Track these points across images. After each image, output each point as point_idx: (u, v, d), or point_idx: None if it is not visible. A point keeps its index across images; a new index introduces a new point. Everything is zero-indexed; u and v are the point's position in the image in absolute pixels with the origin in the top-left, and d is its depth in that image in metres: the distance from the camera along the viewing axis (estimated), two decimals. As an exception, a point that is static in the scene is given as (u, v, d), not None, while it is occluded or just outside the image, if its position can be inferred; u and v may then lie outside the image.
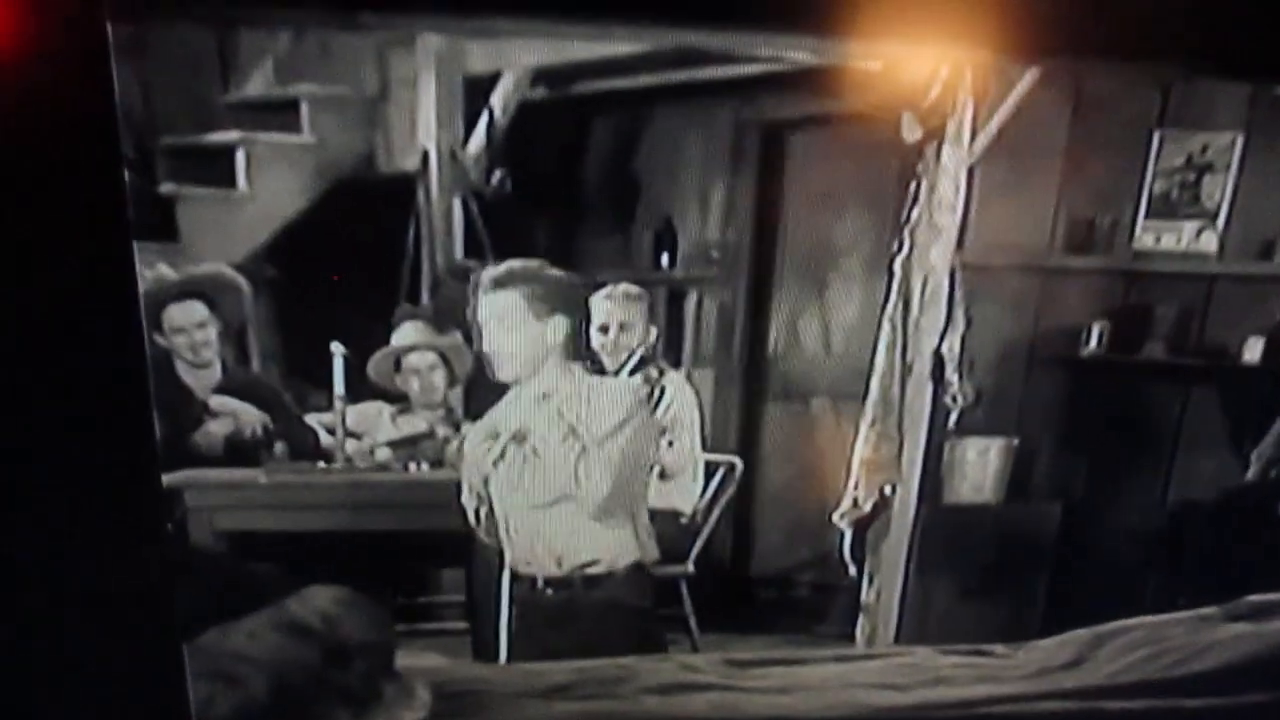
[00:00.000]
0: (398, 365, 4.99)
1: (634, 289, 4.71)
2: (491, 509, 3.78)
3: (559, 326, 3.66)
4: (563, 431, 3.64)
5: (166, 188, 5.41)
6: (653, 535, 3.81)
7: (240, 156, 5.65)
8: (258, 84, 6.06)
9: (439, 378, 4.99)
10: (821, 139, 5.61)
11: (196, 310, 4.74)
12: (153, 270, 4.73)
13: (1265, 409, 4.86)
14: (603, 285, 4.66)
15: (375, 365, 4.93)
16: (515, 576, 3.77)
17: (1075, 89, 4.79)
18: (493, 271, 3.65)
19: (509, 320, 3.63)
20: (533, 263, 3.72)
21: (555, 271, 3.71)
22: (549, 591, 3.70)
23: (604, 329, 4.60)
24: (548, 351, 3.66)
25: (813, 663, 3.23)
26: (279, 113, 5.88)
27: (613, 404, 3.70)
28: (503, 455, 3.73)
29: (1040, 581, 4.86)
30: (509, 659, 3.77)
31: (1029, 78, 4.33)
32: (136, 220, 1.90)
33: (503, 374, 3.69)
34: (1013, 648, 3.27)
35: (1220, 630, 2.99)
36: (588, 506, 3.63)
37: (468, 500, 3.83)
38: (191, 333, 4.72)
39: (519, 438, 3.71)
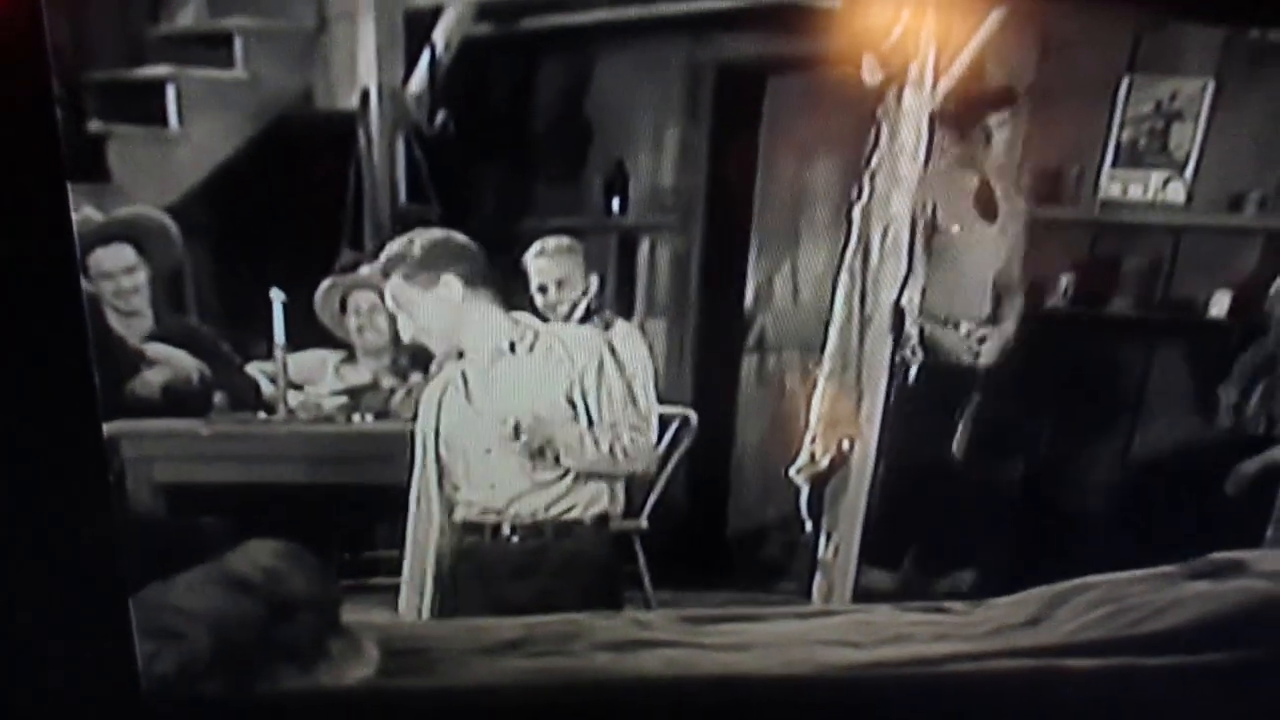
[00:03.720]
0: (344, 307, 5.01)
1: (565, 241, 4.74)
2: (439, 457, 3.88)
3: (480, 299, 3.77)
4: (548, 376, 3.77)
5: (96, 125, 5.37)
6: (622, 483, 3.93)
7: (171, 93, 5.61)
8: (189, 16, 6.02)
9: (381, 320, 4.98)
10: (779, 81, 5.64)
11: (124, 254, 4.73)
12: (78, 212, 4.71)
13: (1232, 364, 4.95)
14: (531, 242, 4.72)
15: (321, 301, 4.95)
16: (470, 527, 3.85)
17: (1042, 32, 4.83)
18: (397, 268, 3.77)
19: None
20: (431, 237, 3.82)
21: (456, 240, 3.82)
22: (514, 540, 3.79)
23: (543, 289, 4.65)
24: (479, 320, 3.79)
25: (769, 619, 3.30)
26: (212, 47, 5.84)
27: (579, 348, 3.81)
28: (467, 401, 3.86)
29: (1000, 539, 4.92)
30: (459, 612, 3.84)
31: (994, 19, 4.36)
32: (68, 161, 1.92)
33: (437, 349, 3.86)
34: (971, 605, 3.34)
35: (1181, 589, 3.06)
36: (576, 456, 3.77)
37: (420, 453, 3.92)
38: (119, 278, 4.71)
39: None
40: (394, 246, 3.79)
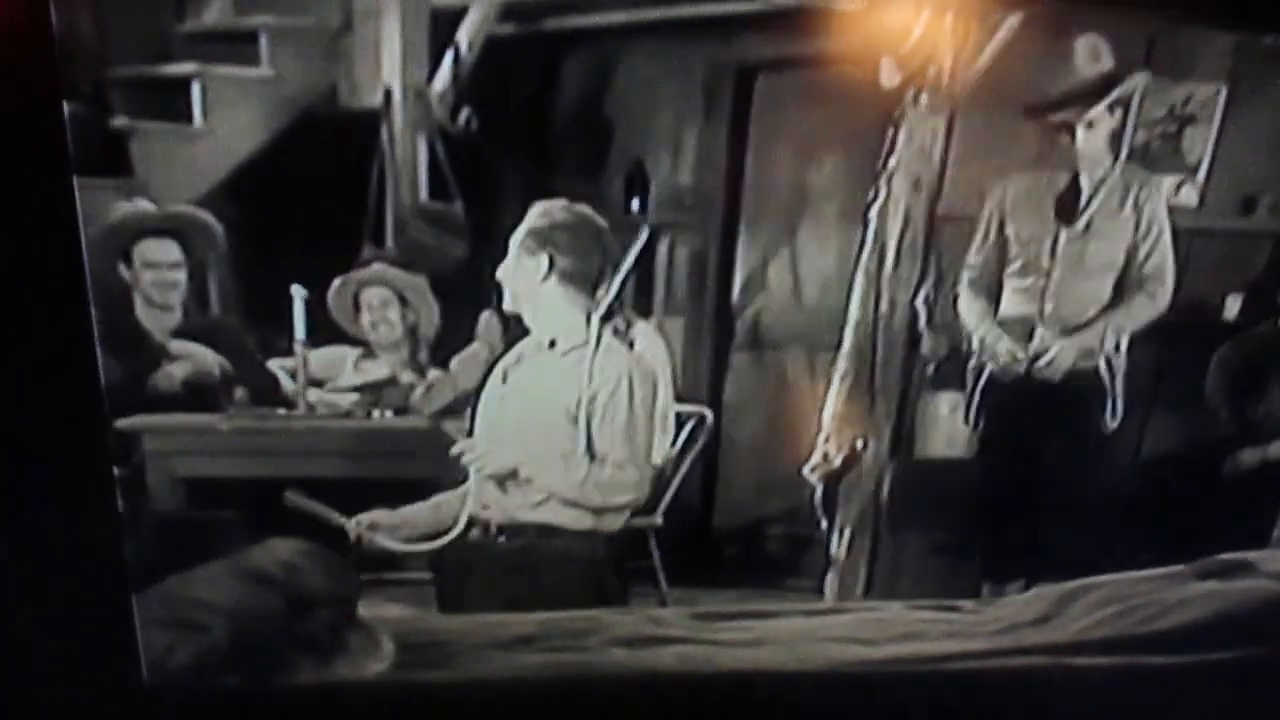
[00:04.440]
0: (356, 304, 5.02)
1: None
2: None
3: (561, 290, 3.82)
4: (578, 390, 3.78)
5: (120, 121, 5.39)
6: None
7: (196, 90, 5.63)
8: (215, 13, 6.04)
9: (394, 314, 5.00)
10: (799, 82, 5.64)
11: (172, 249, 4.76)
12: (129, 202, 4.76)
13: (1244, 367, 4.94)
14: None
15: (334, 300, 4.96)
16: (472, 520, 3.86)
17: (1058, 36, 4.81)
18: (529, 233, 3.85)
19: (552, 302, 3.84)
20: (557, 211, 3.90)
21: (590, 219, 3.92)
22: (502, 539, 3.80)
23: None
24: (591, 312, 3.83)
25: (782, 616, 3.32)
26: (237, 44, 5.86)
27: (603, 367, 3.82)
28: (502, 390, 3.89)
29: (1011, 537, 4.90)
30: (464, 608, 3.85)
31: (1011, 23, 4.34)
32: (90, 156, 1.93)
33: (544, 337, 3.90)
34: (982, 603, 3.37)
35: (1189, 588, 3.08)
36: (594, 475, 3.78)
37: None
38: (163, 271, 4.73)
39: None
40: (535, 208, 3.90)
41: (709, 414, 5.00)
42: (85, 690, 2.23)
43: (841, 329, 4.40)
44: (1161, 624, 2.92)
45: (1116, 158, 4.69)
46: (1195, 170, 4.99)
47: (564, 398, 3.78)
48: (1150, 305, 4.67)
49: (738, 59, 5.79)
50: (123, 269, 4.66)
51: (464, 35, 5.66)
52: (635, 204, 5.87)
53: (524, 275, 3.83)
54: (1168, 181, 4.89)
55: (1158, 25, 4.62)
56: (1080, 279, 4.66)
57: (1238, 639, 2.83)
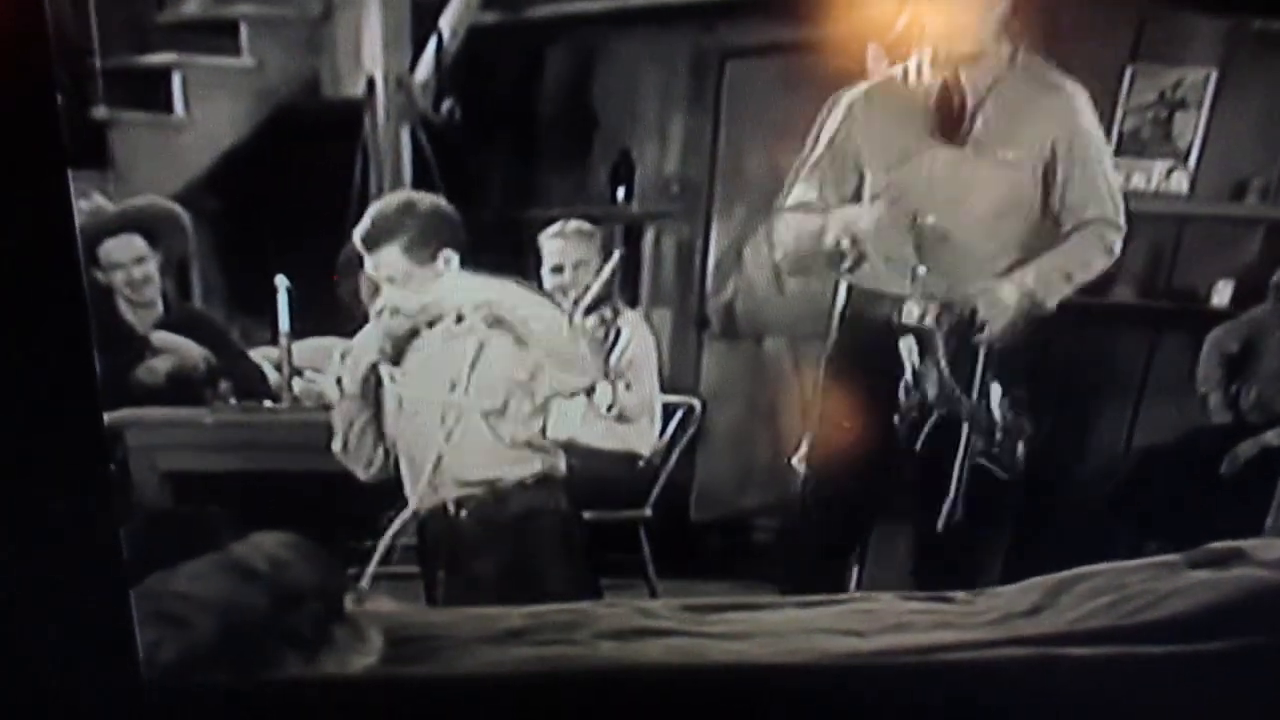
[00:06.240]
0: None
1: (586, 226, 4.73)
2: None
3: (451, 260, 3.77)
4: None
5: (100, 112, 5.37)
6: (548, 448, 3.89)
7: (177, 80, 5.62)
8: (195, 3, 6.03)
9: None
10: (784, 69, 5.63)
11: (134, 245, 4.70)
12: (88, 201, 4.71)
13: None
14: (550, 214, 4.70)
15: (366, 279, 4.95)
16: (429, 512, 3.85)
17: (1046, 21, 4.80)
18: (360, 232, 3.78)
19: (398, 274, 3.76)
20: (395, 200, 3.89)
21: (426, 203, 3.85)
22: (463, 515, 3.78)
23: (558, 269, 4.63)
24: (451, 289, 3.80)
25: (772, 608, 3.31)
26: (218, 34, 5.85)
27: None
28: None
29: (1002, 528, 4.89)
30: (445, 603, 3.84)
31: (999, 9, 4.29)
32: (70, 147, 1.91)
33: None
34: (973, 594, 3.35)
35: (1182, 577, 3.06)
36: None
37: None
38: (130, 269, 4.69)
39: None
40: (384, 214, 3.83)
41: (698, 404, 5.00)
42: (83, 688, 2.22)
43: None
44: (1155, 613, 2.90)
45: (1014, 51, 3.93)
46: (1186, 156, 4.99)
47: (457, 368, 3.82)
48: (1099, 249, 3.94)
49: (723, 46, 5.78)
50: (95, 274, 4.61)
51: (446, 23, 5.66)
52: (620, 193, 5.87)
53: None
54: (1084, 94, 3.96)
55: (1148, 10, 4.63)
56: (969, 222, 3.90)
57: (1232, 628, 2.82)
